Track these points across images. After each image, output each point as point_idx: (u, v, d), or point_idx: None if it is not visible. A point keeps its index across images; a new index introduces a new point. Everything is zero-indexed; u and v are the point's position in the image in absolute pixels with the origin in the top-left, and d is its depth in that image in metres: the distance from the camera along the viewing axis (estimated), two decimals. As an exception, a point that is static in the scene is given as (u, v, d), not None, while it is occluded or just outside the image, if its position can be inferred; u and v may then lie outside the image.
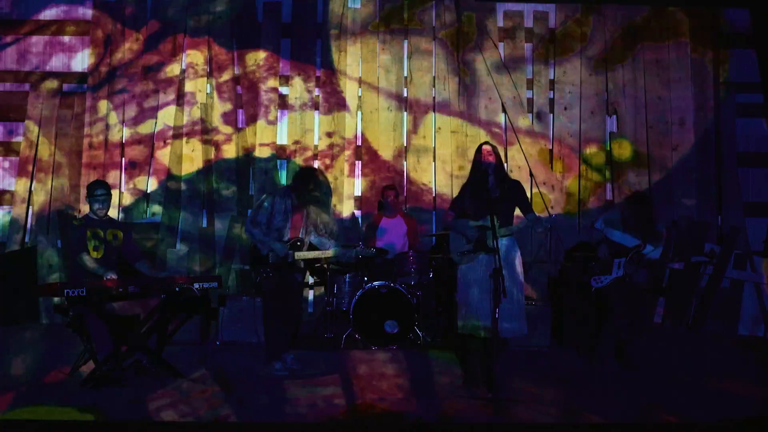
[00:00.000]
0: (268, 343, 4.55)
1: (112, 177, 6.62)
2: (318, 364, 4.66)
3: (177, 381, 4.13)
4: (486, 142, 4.33)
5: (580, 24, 6.93)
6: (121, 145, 6.76)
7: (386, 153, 6.78)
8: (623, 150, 6.79)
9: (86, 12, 6.89)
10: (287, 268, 4.47)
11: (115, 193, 6.56)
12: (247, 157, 6.73)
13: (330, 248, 4.58)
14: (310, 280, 6.41)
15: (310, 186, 4.45)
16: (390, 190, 5.99)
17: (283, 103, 6.88)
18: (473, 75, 6.85)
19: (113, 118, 6.74)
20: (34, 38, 6.89)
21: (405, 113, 6.88)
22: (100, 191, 4.42)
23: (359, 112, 6.88)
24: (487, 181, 4.14)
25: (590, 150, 6.78)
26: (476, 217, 4.16)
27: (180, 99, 6.79)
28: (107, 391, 3.87)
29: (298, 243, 4.51)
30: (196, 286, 4.14)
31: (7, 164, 6.82)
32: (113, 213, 6.46)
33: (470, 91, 6.84)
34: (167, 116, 6.76)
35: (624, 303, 4.61)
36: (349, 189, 6.78)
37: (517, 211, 4.31)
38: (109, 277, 4.08)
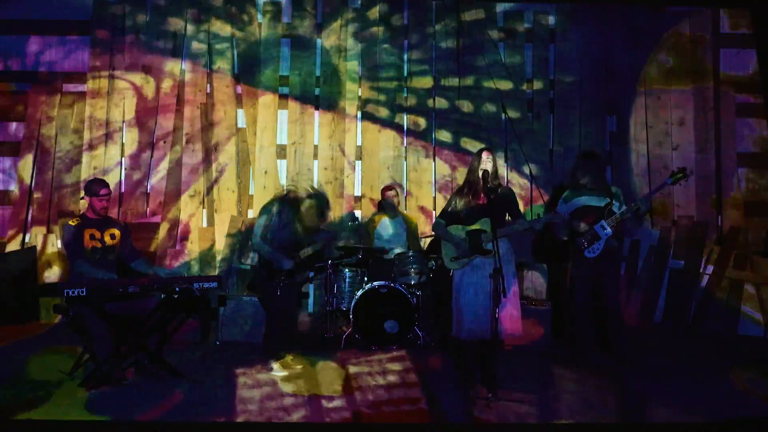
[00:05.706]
0: (267, 343, 4.69)
1: (113, 177, 6.62)
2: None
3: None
4: (485, 148, 4.32)
5: (580, 24, 6.94)
6: (121, 145, 6.76)
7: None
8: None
9: (86, 12, 6.89)
10: (294, 272, 4.87)
11: (115, 193, 6.59)
12: None
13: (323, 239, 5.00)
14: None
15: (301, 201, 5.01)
16: (390, 190, 5.99)
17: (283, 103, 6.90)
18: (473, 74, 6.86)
19: (113, 118, 6.74)
20: (35, 38, 6.89)
21: (405, 113, 6.90)
22: (104, 191, 4.40)
23: (359, 113, 6.90)
24: (483, 186, 4.11)
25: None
26: (469, 222, 4.16)
27: (180, 99, 6.80)
28: (107, 391, 3.86)
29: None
30: (196, 286, 4.13)
31: (7, 164, 6.82)
32: (114, 212, 6.51)
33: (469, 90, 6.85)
34: (167, 116, 6.76)
35: (589, 289, 4.66)
36: (349, 189, 6.79)
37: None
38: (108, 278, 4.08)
